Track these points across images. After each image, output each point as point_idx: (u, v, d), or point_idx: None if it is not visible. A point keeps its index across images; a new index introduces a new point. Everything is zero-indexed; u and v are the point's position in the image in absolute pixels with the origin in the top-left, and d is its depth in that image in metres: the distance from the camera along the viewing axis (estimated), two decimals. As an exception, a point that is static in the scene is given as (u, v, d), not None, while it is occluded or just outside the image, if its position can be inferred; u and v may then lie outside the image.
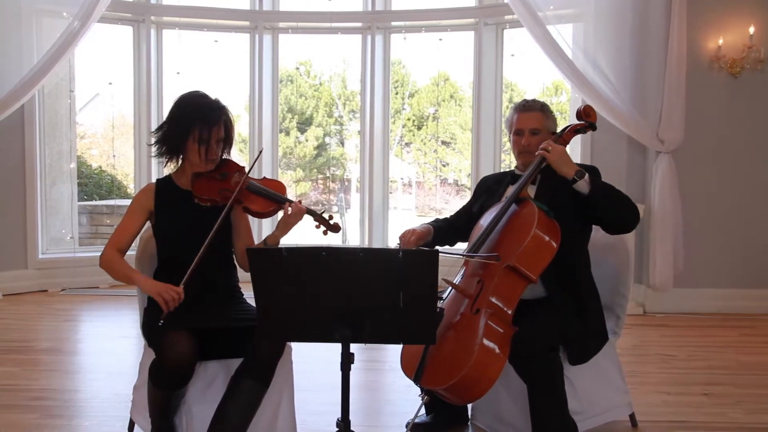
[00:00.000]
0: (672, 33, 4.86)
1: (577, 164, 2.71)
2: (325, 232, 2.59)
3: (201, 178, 2.57)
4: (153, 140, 2.59)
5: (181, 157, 2.60)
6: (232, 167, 2.63)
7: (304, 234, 2.67)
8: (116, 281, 2.68)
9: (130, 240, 2.57)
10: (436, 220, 2.95)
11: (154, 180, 2.75)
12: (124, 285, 5.67)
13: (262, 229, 6.16)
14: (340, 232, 2.60)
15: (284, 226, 2.55)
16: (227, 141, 2.59)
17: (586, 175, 2.52)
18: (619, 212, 2.56)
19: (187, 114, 2.52)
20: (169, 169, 2.66)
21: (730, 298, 5.08)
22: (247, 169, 2.61)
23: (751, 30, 4.90)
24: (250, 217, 2.65)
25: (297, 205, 2.54)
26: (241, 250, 2.64)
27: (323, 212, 2.60)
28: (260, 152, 2.90)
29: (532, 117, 2.76)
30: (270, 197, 2.58)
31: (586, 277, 2.70)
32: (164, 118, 2.62)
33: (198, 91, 2.59)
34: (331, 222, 2.60)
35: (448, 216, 3.02)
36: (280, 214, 2.59)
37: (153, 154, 2.63)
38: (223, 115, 2.54)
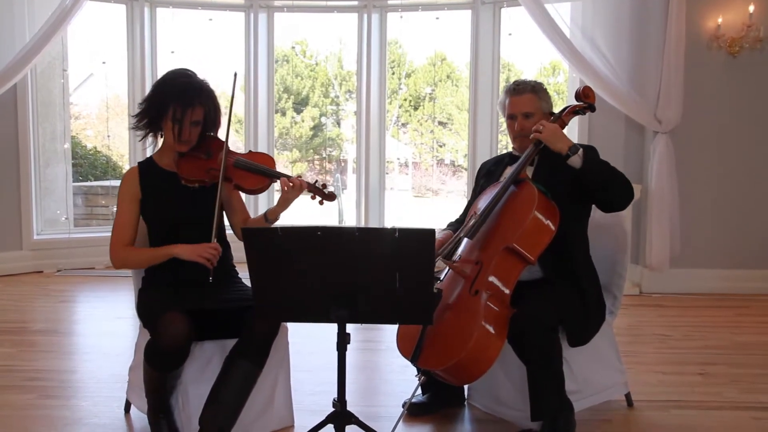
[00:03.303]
0: (671, 12, 4.80)
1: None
2: (321, 202, 2.58)
3: (185, 159, 2.53)
4: (135, 113, 2.55)
5: (161, 135, 2.55)
6: (216, 144, 2.57)
7: (302, 206, 2.66)
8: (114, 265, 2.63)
9: (133, 231, 2.53)
10: (450, 224, 2.90)
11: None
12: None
13: (258, 203, 6.16)
14: (336, 200, 2.60)
15: (284, 202, 2.53)
16: (208, 124, 2.53)
17: (580, 150, 2.48)
18: (611, 188, 2.51)
19: (165, 92, 2.47)
20: (154, 146, 2.61)
21: (726, 279, 5.09)
22: (225, 144, 2.53)
23: (751, 9, 4.85)
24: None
25: (296, 179, 2.51)
26: (239, 224, 2.63)
27: (316, 182, 2.58)
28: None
29: (523, 100, 2.70)
30: (260, 172, 2.55)
31: (584, 259, 2.68)
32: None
33: (184, 70, 2.52)
34: (326, 191, 2.57)
35: (458, 217, 2.96)
36: (276, 186, 2.55)
37: (130, 126, 2.58)
38: (202, 97, 2.47)
